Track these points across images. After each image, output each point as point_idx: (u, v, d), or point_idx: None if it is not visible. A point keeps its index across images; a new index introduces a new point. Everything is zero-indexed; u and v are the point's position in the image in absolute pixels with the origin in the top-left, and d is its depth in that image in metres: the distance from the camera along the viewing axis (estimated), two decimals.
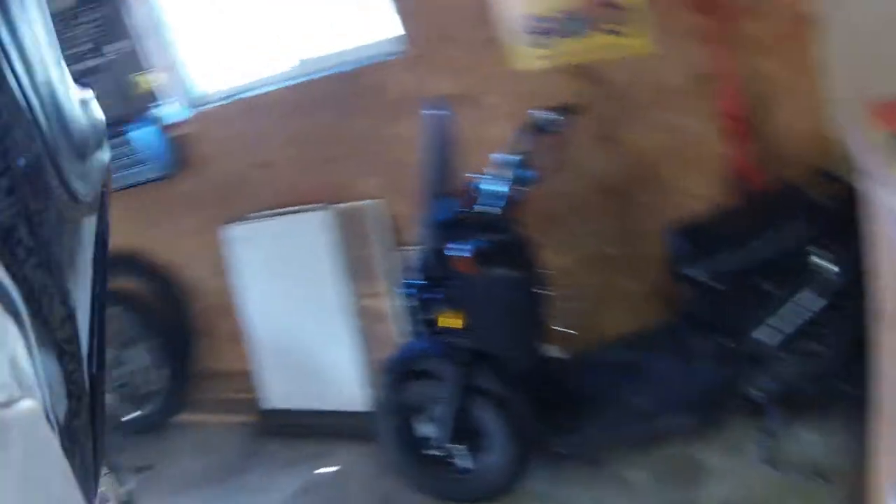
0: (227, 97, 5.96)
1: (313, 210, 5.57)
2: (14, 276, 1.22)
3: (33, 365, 1.21)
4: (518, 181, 3.89)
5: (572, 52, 4.48)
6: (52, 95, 1.53)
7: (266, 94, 5.72)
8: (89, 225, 1.75)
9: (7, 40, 1.32)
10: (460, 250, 3.85)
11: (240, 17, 5.82)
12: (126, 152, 6.04)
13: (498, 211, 3.89)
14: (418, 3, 4.89)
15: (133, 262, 6.49)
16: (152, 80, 5.94)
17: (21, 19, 1.39)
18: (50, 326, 1.36)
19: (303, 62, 5.62)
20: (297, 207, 5.69)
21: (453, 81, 4.79)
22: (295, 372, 5.78)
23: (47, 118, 1.46)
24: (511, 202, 3.89)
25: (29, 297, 1.26)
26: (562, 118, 3.95)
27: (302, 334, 5.67)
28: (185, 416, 6.41)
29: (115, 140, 5.95)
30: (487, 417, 4.00)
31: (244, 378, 6.08)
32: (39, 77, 1.45)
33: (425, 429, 4.17)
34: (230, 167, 6.02)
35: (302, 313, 5.62)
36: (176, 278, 6.56)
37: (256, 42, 5.83)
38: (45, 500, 1.11)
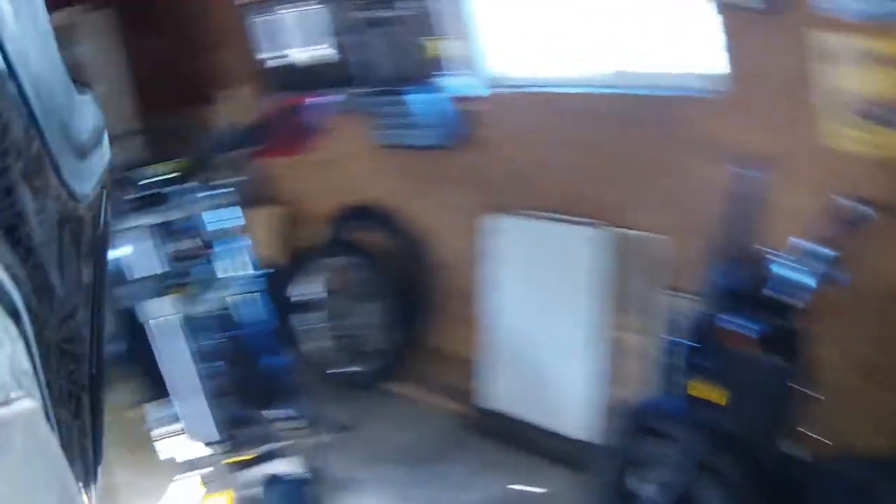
0: (524, 86, 5.81)
1: (586, 225, 5.41)
2: (14, 276, 1.21)
3: (33, 365, 1.19)
4: (824, 278, 3.67)
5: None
6: (52, 95, 1.52)
7: (567, 94, 5.56)
8: (90, 225, 1.73)
9: (6, 38, 1.30)
10: (742, 327, 3.72)
11: (551, 9, 5.60)
12: (400, 112, 6.02)
13: (792, 301, 3.70)
14: (750, 49, 4.59)
15: (389, 222, 6.54)
16: (443, 47, 5.82)
17: (21, 19, 1.38)
18: (50, 326, 1.35)
19: (617, 74, 5.31)
20: (569, 217, 5.54)
21: (762, 139, 4.49)
22: (524, 379, 5.66)
23: (47, 118, 1.43)
24: (809, 297, 3.69)
25: (29, 297, 1.25)
26: (873, 213, 3.71)
27: (542, 344, 5.56)
28: (396, 386, 6.41)
29: (390, 98, 6.10)
30: (712, 499, 3.83)
31: (466, 366, 6.02)
32: (39, 76, 1.44)
33: (641, 486, 4.01)
34: (510, 157, 5.88)
35: (548, 324, 5.51)
36: (426, 248, 6.58)
37: (562, 38, 5.61)
38: (44, 501, 1.10)
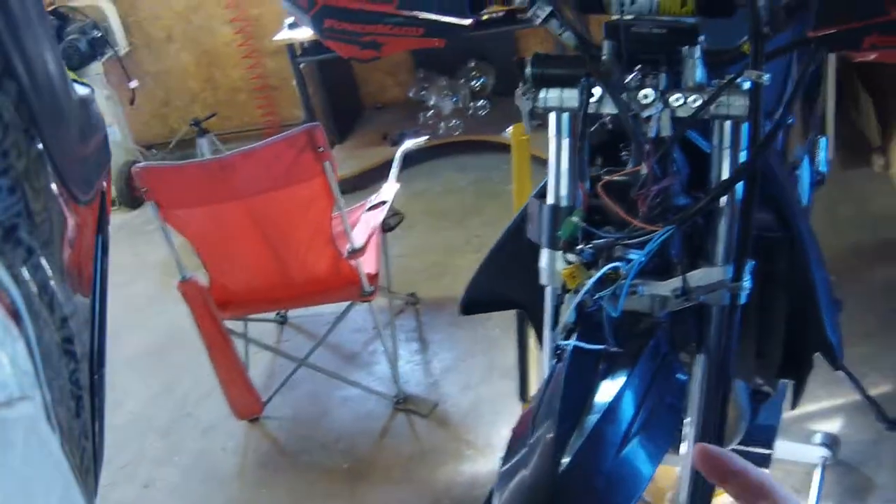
0: None
1: None
2: (14, 276, 1.21)
3: (33, 365, 1.18)
4: None
5: None
6: (52, 94, 1.51)
7: None
8: (90, 225, 1.73)
9: (6, 39, 1.31)
10: None
11: None
12: None
13: None
14: None
15: None
16: None
17: (20, 18, 1.37)
18: (50, 326, 1.34)
19: None
20: None
21: None
22: None
23: (47, 117, 1.44)
24: None
25: (29, 297, 1.24)
26: None
27: None
28: None
29: None
30: None
31: None
32: (39, 76, 1.43)
33: None
34: None
35: None
36: None
37: None
38: (45, 501, 1.08)
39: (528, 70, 1.77)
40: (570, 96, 1.76)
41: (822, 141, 3.27)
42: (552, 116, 1.83)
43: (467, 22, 1.89)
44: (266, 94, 7.95)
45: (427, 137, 5.96)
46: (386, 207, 4.33)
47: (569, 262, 1.78)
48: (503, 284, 2.34)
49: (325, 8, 1.89)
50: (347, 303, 4.25)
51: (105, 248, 1.84)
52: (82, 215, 1.64)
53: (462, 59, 7.30)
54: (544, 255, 1.90)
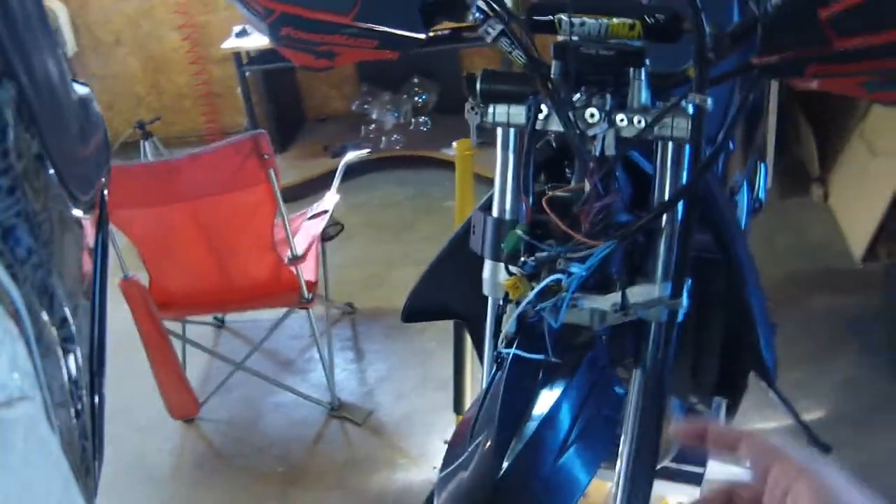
0: None
1: None
2: (14, 276, 1.22)
3: (33, 365, 1.19)
4: None
5: None
6: (52, 94, 1.53)
7: None
8: (90, 225, 1.75)
9: (6, 39, 1.32)
10: None
11: None
12: None
13: None
14: None
15: None
16: None
17: (20, 17, 1.38)
18: (50, 326, 1.36)
19: None
20: None
21: None
22: None
23: (47, 117, 1.45)
24: None
25: (29, 297, 1.25)
26: None
27: None
28: None
29: None
30: None
31: None
32: (39, 75, 1.44)
33: None
34: None
35: None
36: None
37: None
38: (44, 501, 1.10)
39: (477, 85, 1.81)
40: (518, 112, 1.80)
41: (762, 167, 3.33)
42: (499, 131, 1.87)
43: (421, 36, 1.93)
44: (210, 101, 7.96)
45: (369, 151, 6.00)
46: (327, 217, 4.36)
47: (511, 274, 1.82)
48: (445, 294, 2.37)
49: (283, 16, 1.91)
50: (285, 309, 4.27)
51: (105, 248, 1.87)
52: (82, 214, 1.66)
53: (406, 75, 7.34)
54: (487, 267, 1.94)
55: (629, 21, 1.72)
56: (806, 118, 5.67)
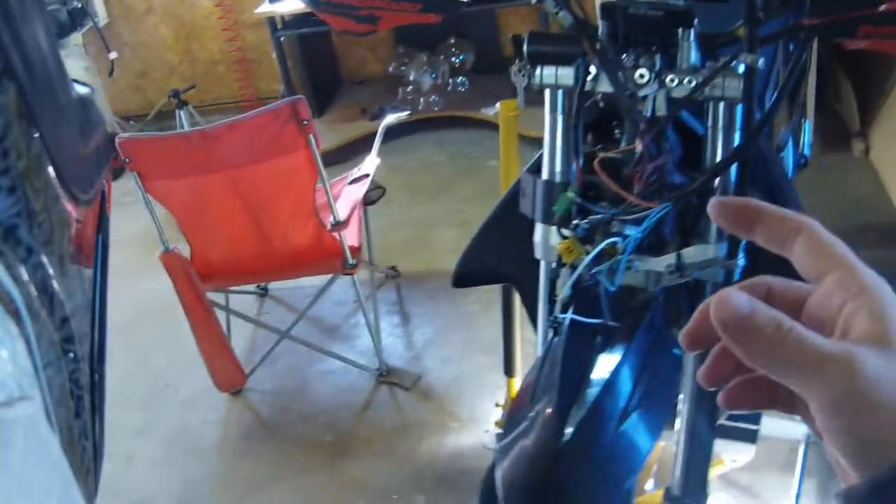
0: None
1: None
2: (14, 276, 1.23)
3: (33, 365, 1.21)
4: None
5: None
6: (53, 94, 1.54)
7: None
8: (90, 224, 1.76)
9: (7, 40, 1.33)
10: None
11: None
12: None
13: None
14: None
15: None
16: None
17: (20, 17, 1.39)
18: (50, 326, 1.36)
19: None
20: None
21: None
22: None
23: (47, 117, 1.46)
24: None
25: (29, 297, 1.26)
26: None
27: None
28: None
29: None
30: None
31: None
32: (39, 75, 1.45)
33: None
34: None
35: None
36: None
37: None
38: (45, 500, 1.11)
39: (524, 47, 1.79)
40: (566, 74, 1.78)
41: (807, 124, 3.29)
42: (547, 93, 1.85)
43: None
44: (244, 66, 7.92)
45: (408, 112, 5.96)
46: (368, 181, 4.33)
47: (564, 237, 1.80)
48: (495, 258, 2.35)
49: None
50: (329, 276, 4.26)
51: (105, 248, 1.88)
52: (82, 214, 1.67)
53: (442, 36, 7.29)
54: (539, 230, 1.92)
55: None
56: (845, 74, 5.62)
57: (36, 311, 1.28)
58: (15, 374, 1.08)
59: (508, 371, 3.33)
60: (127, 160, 3.61)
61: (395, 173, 6.15)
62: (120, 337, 4.90)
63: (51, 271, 1.39)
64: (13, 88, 1.34)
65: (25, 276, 1.28)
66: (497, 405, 3.65)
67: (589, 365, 1.71)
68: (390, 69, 7.28)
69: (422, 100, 6.92)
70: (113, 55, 6.69)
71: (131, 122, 7.93)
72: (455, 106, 6.85)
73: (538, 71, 1.80)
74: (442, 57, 7.20)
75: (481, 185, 5.85)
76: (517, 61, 1.82)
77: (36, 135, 1.41)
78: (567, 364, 1.67)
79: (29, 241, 1.31)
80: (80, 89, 1.77)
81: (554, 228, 1.86)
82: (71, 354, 1.47)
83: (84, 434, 1.56)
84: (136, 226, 5.74)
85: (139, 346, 4.86)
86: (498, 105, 3.21)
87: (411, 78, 7.12)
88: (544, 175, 1.89)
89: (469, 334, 4.44)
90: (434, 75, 7.09)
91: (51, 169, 1.47)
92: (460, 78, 7.09)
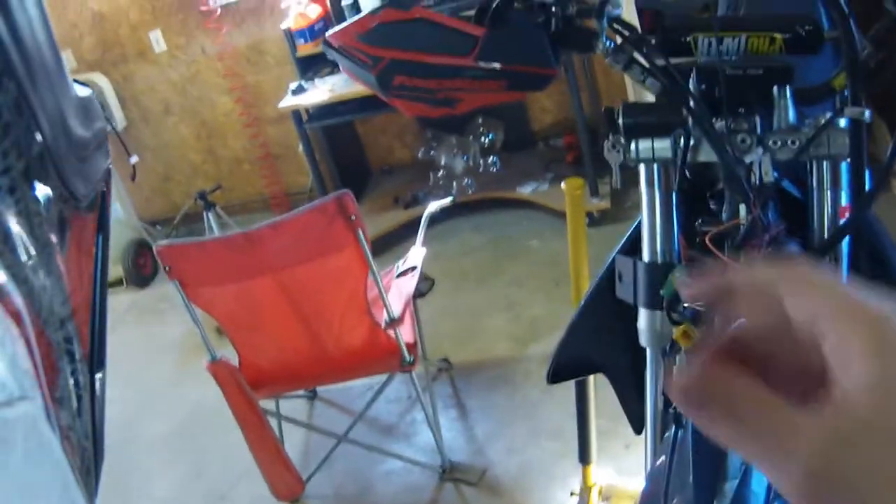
0: None
1: None
2: (14, 276, 1.26)
3: (34, 365, 1.23)
4: None
5: None
6: (53, 94, 1.54)
7: None
8: (90, 224, 1.78)
9: (7, 39, 1.35)
10: None
11: None
12: None
13: None
14: None
15: None
16: None
17: (20, 18, 1.41)
18: (51, 326, 1.40)
19: None
20: None
21: None
22: None
23: (48, 118, 1.48)
24: None
25: (29, 297, 1.29)
26: None
27: None
28: None
29: None
30: None
31: None
32: (39, 76, 1.46)
33: None
34: None
35: None
36: None
37: None
38: (45, 501, 1.13)
39: (620, 120, 1.67)
40: (662, 146, 1.67)
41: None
42: (642, 168, 1.74)
43: (553, 71, 1.79)
44: (269, 163, 7.87)
45: (452, 198, 5.88)
46: (417, 273, 4.24)
47: (674, 322, 1.68)
48: (590, 348, 2.24)
49: (392, 63, 1.79)
50: (385, 374, 4.14)
51: (105, 248, 1.89)
52: (82, 215, 1.70)
53: (469, 116, 7.21)
54: (644, 316, 1.81)
55: (769, 35, 1.59)
56: (878, 114, 5.57)
57: (36, 312, 1.31)
58: (15, 374, 1.10)
59: (584, 458, 3.25)
60: (167, 268, 3.53)
61: (436, 261, 6.06)
62: (168, 448, 4.81)
63: (51, 271, 1.42)
64: (13, 88, 1.36)
65: (25, 277, 1.31)
66: (572, 493, 3.55)
67: (722, 455, 1.60)
68: (419, 155, 7.22)
69: (455, 183, 6.84)
70: (134, 159, 6.66)
71: (158, 227, 7.91)
72: (490, 187, 6.79)
73: (633, 146, 1.69)
74: (471, 137, 7.12)
75: (526, 267, 5.78)
76: (609, 136, 1.71)
77: (36, 135, 1.43)
78: (698, 457, 1.57)
79: (29, 242, 1.34)
80: (81, 90, 1.79)
81: (659, 313, 1.74)
82: (71, 354, 1.51)
83: (84, 434, 1.58)
84: (173, 332, 5.70)
85: (190, 457, 4.76)
86: (563, 185, 3.12)
87: (443, 162, 7.05)
88: (645, 256, 1.78)
89: (532, 422, 4.30)
90: (466, 157, 7.02)
91: (51, 169, 1.50)
92: (492, 157, 7.01)
